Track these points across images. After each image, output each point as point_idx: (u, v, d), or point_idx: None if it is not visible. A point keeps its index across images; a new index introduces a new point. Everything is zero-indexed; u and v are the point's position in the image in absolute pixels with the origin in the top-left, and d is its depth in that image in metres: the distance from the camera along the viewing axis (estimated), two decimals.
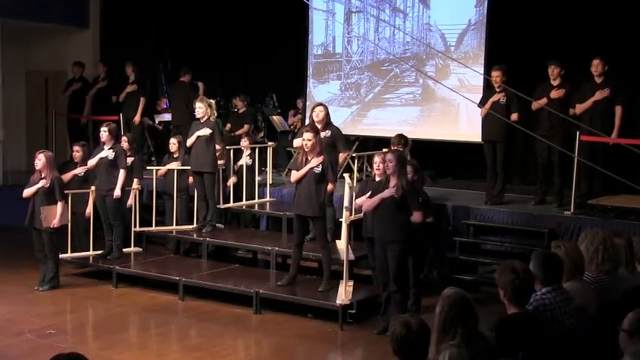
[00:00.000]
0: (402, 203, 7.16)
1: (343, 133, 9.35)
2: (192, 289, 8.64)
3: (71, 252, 9.35)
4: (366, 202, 7.42)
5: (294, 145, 9.47)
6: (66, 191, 8.93)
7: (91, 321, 8.28)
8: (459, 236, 9.25)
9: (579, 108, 9.19)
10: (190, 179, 9.90)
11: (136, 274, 9.10)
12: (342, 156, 9.03)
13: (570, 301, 4.48)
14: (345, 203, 8.27)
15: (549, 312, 4.36)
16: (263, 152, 10.64)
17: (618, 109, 9.05)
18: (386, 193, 7.14)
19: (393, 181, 7.18)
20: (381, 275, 7.41)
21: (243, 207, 10.34)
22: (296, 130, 11.57)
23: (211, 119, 9.59)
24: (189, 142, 9.52)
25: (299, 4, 10.16)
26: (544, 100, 9.11)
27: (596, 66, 9.12)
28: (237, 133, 11.91)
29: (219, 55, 14.02)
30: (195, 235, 9.76)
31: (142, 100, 12.53)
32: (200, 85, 12.66)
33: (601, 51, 9.31)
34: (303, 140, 7.92)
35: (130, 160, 9.61)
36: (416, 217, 7.28)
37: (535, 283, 4.41)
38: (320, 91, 12.17)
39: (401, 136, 8.60)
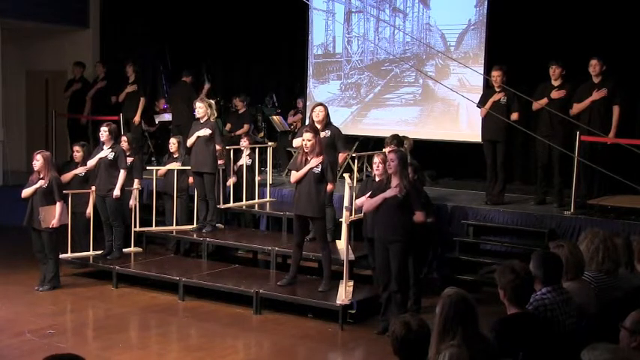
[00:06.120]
0: (404, 203, 7.12)
1: (343, 133, 9.35)
2: (192, 289, 8.64)
3: (71, 252, 9.35)
4: (367, 201, 7.36)
5: (294, 145, 9.47)
6: (66, 191, 8.93)
7: (92, 321, 8.27)
8: (459, 236, 9.25)
9: (576, 108, 9.19)
10: (190, 179, 9.90)
11: (136, 274, 9.10)
12: (341, 156, 9.03)
13: (570, 301, 4.48)
14: (345, 203, 8.26)
15: (549, 312, 4.36)
16: (263, 152, 10.64)
17: (615, 109, 9.05)
18: (388, 193, 7.11)
19: (394, 181, 7.15)
20: (381, 275, 7.39)
21: (243, 207, 10.34)
22: (296, 130, 11.57)
23: (211, 119, 9.60)
24: (190, 142, 9.53)
25: (299, 4, 10.16)
26: (545, 101, 9.11)
27: (593, 66, 9.11)
28: (237, 133, 11.91)
29: (219, 55, 14.02)
30: (195, 235, 9.76)
31: (142, 100, 12.52)
32: (206, 87, 12.68)
33: (600, 51, 9.31)
34: (303, 140, 7.91)
35: (129, 160, 9.61)
36: (418, 217, 7.21)
37: (535, 283, 4.41)
38: (320, 91, 12.17)
39: (395, 137, 8.54)
